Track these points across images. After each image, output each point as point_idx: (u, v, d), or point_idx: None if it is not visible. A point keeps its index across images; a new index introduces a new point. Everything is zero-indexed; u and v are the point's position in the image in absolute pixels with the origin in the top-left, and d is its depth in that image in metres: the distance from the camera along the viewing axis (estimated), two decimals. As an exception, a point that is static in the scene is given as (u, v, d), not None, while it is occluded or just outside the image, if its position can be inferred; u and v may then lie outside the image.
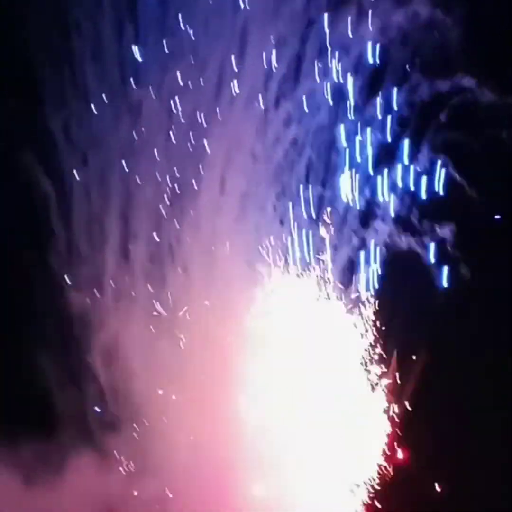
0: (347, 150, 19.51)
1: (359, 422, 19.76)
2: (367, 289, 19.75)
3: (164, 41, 19.27)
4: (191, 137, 19.77)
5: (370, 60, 19.16)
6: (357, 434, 19.76)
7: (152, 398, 19.61)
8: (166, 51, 19.32)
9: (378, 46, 19.06)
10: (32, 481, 19.04)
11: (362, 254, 19.69)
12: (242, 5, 19.17)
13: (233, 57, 19.34)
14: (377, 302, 19.80)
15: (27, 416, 19.20)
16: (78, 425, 19.47)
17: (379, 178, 19.47)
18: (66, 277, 19.98)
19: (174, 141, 19.88)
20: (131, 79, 19.68)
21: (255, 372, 19.68)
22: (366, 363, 19.85)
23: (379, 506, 19.65)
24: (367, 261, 19.69)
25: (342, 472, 19.77)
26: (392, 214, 19.54)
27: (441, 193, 19.26)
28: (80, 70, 19.66)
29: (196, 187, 19.94)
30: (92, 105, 19.75)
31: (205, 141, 19.76)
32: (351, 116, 19.42)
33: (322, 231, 19.77)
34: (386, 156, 19.49)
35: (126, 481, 19.38)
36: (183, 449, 19.35)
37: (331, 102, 19.44)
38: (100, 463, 19.43)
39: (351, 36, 19.07)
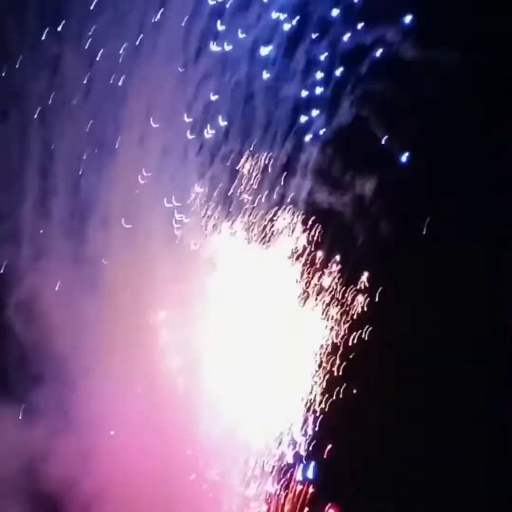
0: (266, 105, 19.76)
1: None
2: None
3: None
4: (112, 90, 19.70)
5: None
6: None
7: (74, 353, 19.51)
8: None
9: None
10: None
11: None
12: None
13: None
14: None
15: None
16: (-1, 380, 19.32)
17: (298, 131, 19.77)
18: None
19: (93, 95, 19.77)
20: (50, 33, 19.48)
21: (182, 319, 19.86)
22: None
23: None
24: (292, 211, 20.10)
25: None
26: (313, 168, 19.89)
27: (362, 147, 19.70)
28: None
29: (116, 142, 19.90)
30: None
31: (126, 95, 19.74)
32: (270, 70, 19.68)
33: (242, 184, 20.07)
34: (306, 110, 19.78)
35: (48, 436, 19.23)
36: (106, 405, 19.34)
37: (250, 57, 19.65)
38: (21, 419, 19.31)
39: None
